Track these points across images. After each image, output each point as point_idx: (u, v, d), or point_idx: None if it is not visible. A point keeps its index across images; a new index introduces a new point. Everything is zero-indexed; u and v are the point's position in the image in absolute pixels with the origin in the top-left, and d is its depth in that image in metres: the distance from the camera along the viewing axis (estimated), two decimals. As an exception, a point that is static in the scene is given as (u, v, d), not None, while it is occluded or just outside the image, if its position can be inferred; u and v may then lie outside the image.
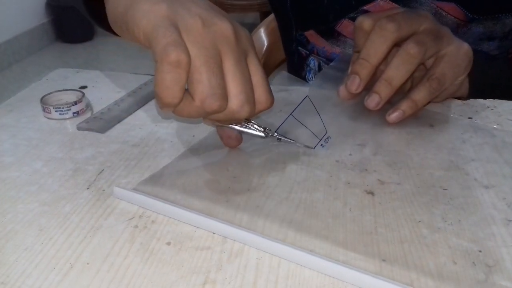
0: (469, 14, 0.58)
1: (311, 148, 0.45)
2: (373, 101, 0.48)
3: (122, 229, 0.35)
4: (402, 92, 0.50)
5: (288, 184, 0.40)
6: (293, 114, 0.46)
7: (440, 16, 0.59)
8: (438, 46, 0.48)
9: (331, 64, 0.58)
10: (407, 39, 0.47)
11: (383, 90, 0.47)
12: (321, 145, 0.45)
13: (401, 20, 0.47)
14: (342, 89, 0.50)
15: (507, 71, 0.57)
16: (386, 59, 0.48)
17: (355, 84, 0.48)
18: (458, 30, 0.59)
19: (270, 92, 0.39)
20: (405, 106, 0.48)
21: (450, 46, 0.49)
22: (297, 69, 0.75)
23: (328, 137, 0.46)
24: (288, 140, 0.45)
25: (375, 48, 0.47)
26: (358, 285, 0.30)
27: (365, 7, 0.61)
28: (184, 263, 0.32)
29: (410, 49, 0.46)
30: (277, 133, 0.45)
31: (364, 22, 0.48)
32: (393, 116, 0.48)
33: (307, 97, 0.47)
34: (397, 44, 0.47)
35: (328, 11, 0.64)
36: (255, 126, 0.43)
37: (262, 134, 0.44)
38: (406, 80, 0.48)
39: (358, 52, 0.49)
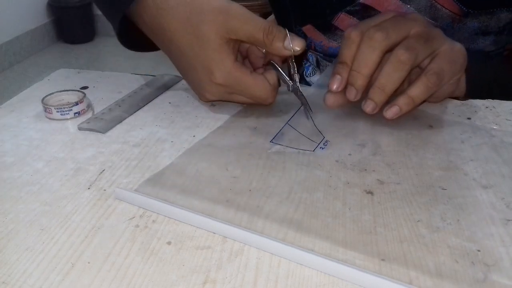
0: (464, 8, 0.58)
1: (311, 151, 0.45)
2: (368, 107, 0.48)
3: (123, 228, 0.35)
4: (399, 94, 0.50)
5: (288, 184, 0.40)
6: (289, 122, 0.47)
7: (435, 9, 0.59)
8: (430, 48, 0.48)
9: (333, 63, 0.58)
10: (399, 44, 0.47)
11: (377, 96, 0.48)
12: (320, 147, 0.45)
13: (389, 28, 0.47)
14: (328, 96, 0.50)
15: (502, 69, 0.57)
16: (380, 65, 0.48)
17: (352, 94, 0.48)
18: (454, 25, 0.60)
19: None
20: (401, 102, 0.48)
21: (443, 45, 0.49)
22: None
23: (327, 141, 0.46)
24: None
25: (365, 59, 0.47)
26: (358, 284, 0.30)
27: (361, 1, 0.61)
28: (185, 262, 0.32)
29: (400, 55, 0.46)
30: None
31: (352, 33, 0.48)
32: (390, 112, 0.48)
33: (301, 107, 0.49)
34: (390, 50, 0.48)
35: (325, 5, 0.64)
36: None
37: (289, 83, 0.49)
38: (402, 83, 0.48)
39: (342, 63, 0.49)
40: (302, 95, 0.49)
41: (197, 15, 0.47)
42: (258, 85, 0.49)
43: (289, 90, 0.50)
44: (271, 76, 0.50)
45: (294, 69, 0.49)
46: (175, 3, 0.48)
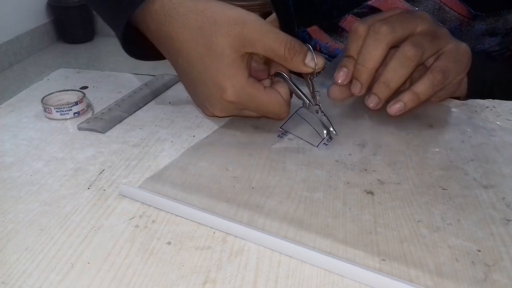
0: (472, 10, 0.58)
1: (314, 146, 0.45)
2: (372, 102, 0.48)
3: (123, 229, 0.35)
4: (404, 90, 0.50)
5: (288, 184, 0.40)
6: (298, 112, 0.47)
7: (443, 11, 0.59)
8: (436, 46, 0.48)
9: (333, 61, 0.58)
10: (405, 40, 0.47)
11: (381, 92, 0.47)
12: (324, 143, 0.45)
13: (396, 22, 0.47)
14: (333, 89, 0.50)
15: (505, 71, 0.57)
16: (385, 60, 0.48)
17: (357, 88, 0.48)
18: (462, 28, 0.59)
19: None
20: (406, 98, 0.48)
21: (449, 44, 0.49)
22: None
23: (331, 138, 0.46)
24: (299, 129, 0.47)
25: (370, 52, 0.47)
26: (359, 281, 0.30)
27: (369, 3, 0.61)
28: (185, 262, 0.32)
29: (407, 51, 0.46)
30: (281, 128, 0.48)
31: (359, 27, 0.48)
32: (394, 108, 0.48)
33: (300, 108, 0.48)
34: (396, 46, 0.47)
35: (332, 6, 0.64)
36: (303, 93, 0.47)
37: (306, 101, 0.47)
38: (405, 81, 0.48)
39: (348, 56, 0.49)
40: (325, 115, 0.47)
41: (210, 25, 0.43)
42: (272, 101, 0.46)
43: (305, 107, 0.47)
44: (284, 90, 0.47)
45: (313, 87, 0.47)
46: (185, 10, 0.44)
